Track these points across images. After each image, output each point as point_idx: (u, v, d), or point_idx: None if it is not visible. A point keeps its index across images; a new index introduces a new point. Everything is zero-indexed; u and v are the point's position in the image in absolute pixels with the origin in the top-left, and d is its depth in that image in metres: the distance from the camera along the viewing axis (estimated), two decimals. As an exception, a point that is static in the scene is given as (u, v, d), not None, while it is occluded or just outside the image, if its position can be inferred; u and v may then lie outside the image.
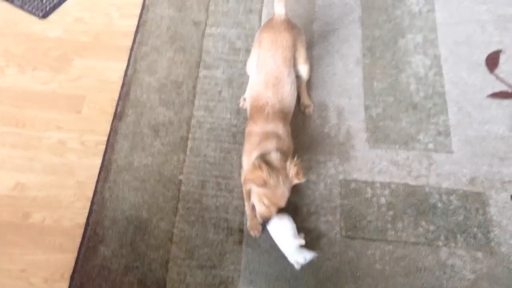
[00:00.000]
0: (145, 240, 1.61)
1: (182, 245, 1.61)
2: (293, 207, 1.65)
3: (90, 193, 1.68)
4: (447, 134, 1.82)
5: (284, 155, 1.45)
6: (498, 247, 1.63)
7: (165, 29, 2.03)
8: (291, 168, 1.39)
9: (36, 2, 2.08)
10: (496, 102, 1.89)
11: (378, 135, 1.82)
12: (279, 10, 1.63)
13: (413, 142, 1.81)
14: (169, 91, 1.88)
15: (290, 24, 1.63)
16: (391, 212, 1.67)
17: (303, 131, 1.81)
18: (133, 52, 1.96)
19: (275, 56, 1.57)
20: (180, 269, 1.57)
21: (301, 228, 1.60)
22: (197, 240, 1.61)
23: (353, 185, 1.72)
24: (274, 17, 1.64)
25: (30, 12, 2.06)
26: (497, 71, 1.95)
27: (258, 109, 1.53)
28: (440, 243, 1.63)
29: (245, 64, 1.93)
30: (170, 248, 1.60)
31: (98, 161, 1.73)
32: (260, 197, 1.42)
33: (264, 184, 1.36)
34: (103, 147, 1.76)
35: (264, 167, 1.35)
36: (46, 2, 2.09)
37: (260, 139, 1.49)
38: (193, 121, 1.83)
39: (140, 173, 1.72)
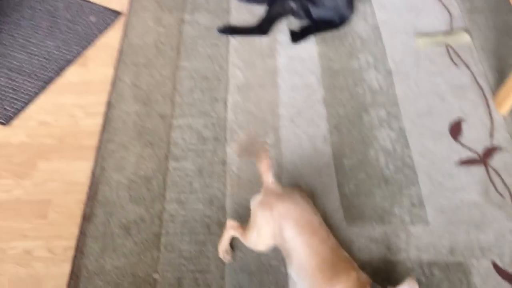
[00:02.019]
0: None
1: None
2: (275, 297, 1.60)
3: (60, 304, 1.60)
4: (421, 205, 1.82)
5: None
6: (487, 319, 1.59)
7: (132, 124, 2.03)
8: None
9: (-2, 109, 2.08)
10: (464, 169, 1.91)
11: (353, 212, 1.80)
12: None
13: (388, 216, 1.80)
14: (139, 187, 1.85)
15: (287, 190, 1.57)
16: (375, 292, 1.62)
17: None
18: (100, 151, 1.95)
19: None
20: None
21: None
22: None
23: (333, 267, 1.67)
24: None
25: (-8, 119, 2.05)
26: (461, 139, 1.99)
27: None
28: (429, 321, 1.58)
29: (214, 152, 1.94)
30: None
31: (68, 268, 1.65)
32: None
33: None
34: (72, 252, 1.69)
35: None
36: (8, 108, 2.09)
37: None
38: (165, 216, 1.79)
39: (113, 276, 1.65)
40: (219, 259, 1.68)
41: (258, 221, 1.52)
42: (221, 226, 1.75)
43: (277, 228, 1.48)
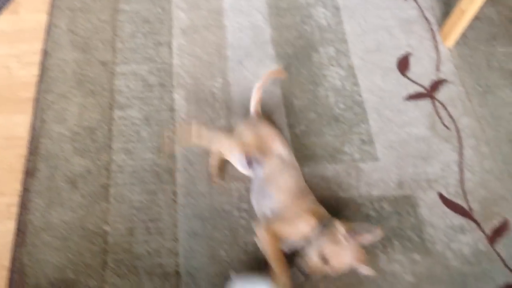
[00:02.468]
0: (75, 302, 1.49)
1: (116, 301, 1.50)
2: (230, 240, 1.60)
3: (7, 262, 1.54)
4: (370, 142, 1.83)
5: None
6: (433, 246, 1.64)
7: (71, 73, 1.93)
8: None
9: None
10: (412, 104, 1.92)
11: (304, 152, 1.80)
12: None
13: (339, 155, 1.80)
14: (83, 139, 1.78)
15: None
16: (327, 229, 1.65)
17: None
18: (38, 103, 1.85)
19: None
20: (116, 327, 1.46)
21: (239, 259, 1.55)
22: (132, 292, 1.52)
23: (286, 207, 1.68)
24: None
25: None
26: (408, 73, 2.00)
27: None
28: (378, 251, 1.62)
29: (161, 99, 1.88)
30: (103, 307, 1.49)
31: (12, 225, 1.60)
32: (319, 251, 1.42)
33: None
34: (16, 208, 1.63)
35: None
36: None
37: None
38: (113, 167, 1.74)
39: (61, 231, 1.60)
40: (171, 207, 1.66)
41: (241, 129, 1.67)
42: (171, 173, 1.72)
43: (259, 140, 1.64)
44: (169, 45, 2.03)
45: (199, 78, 1.94)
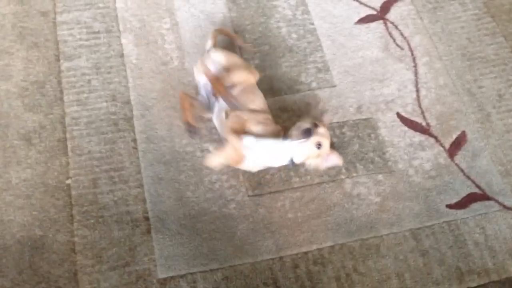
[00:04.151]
0: (46, 258, 1.48)
1: (87, 252, 1.50)
2: (195, 180, 1.60)
3: (-31, 226, 1.51)
4: (326, 69, 1.83)
5: None
6: (395, 165, 1.69)
7: (10, 27, 1.82)
8: None
9: None
10: (364, 27, 1.91)
11: (262, 85, 1.77)
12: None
13: (296, 85, 1.80)
14: (32, 94, 1.71)
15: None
16: (291, 160, 1.66)
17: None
18: (-21, 61, 1.76)
19: None
20: (91, 277, 1.46)
21: (206, 198, 1.57)
22: (102, 242, 1.51)
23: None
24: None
25: None
26: (358, -4, 1.97)
27: None
28: (343, 176, 1.65)
29: (109, 46, 1.81)
30: (75, 259, 1.48)
31: (-30, 189, 1.56)
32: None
33: None
34: (-29, 172, 1.59)
35: None
36: None
37: None
38: (68, 119, 1.69)
39: (22, 189, 1.57)
40: (133, 154, 1.64)
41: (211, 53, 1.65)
42: (129, 121, 1.69)
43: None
44: (111, -12, 1.94)
45: (146, 20, 1.87)
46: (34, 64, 1.76)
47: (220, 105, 1.59)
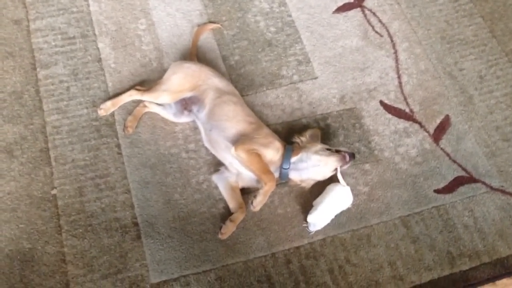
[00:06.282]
0: (36, 271, 1.46)
1: (78, 261, 1.48)
2: (182, 182, 1.59)
3: (-45, 244, 1.49)
4: (307, 61, 1.82)
5: None
6: (381, 153, 1.69)
7: (-17, 38, 1.79)
8: None
9: None
10: (342, 16, 1.90)
11: (243, 82, 1.77)
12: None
13: (278, 79, 1.79)
14: (10, 105, 1.68)
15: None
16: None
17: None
18: (-47, 75, 1.72)
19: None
20: (83, 287, 1.45)
21: (194, 199, 1.56)
22: (92, 251, 1.50)
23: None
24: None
25: None
26: (334, -15, 1.96)
27: None
28: (330, 168, 1.65)
29: (85, 51, 1.78)
30: (66, 269, 1.47)
31: (-47, 206, 1.53)
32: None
33: None
34: (-46, 189, 1.55)
35: None
36: None
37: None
38: (49, 129, 1.66)
39: (7, 202, 1.54)
40: (117, 160, 1.62)
41: (169, 75, 1.64)
42: (111, 126, 1.66)
43: (192, 80, 1.62)
44: (84, -8, 1.90)
45: (122, 22, 1.84)
46: (10, 74, 1.72)
47: (202, 124, 1.61)
